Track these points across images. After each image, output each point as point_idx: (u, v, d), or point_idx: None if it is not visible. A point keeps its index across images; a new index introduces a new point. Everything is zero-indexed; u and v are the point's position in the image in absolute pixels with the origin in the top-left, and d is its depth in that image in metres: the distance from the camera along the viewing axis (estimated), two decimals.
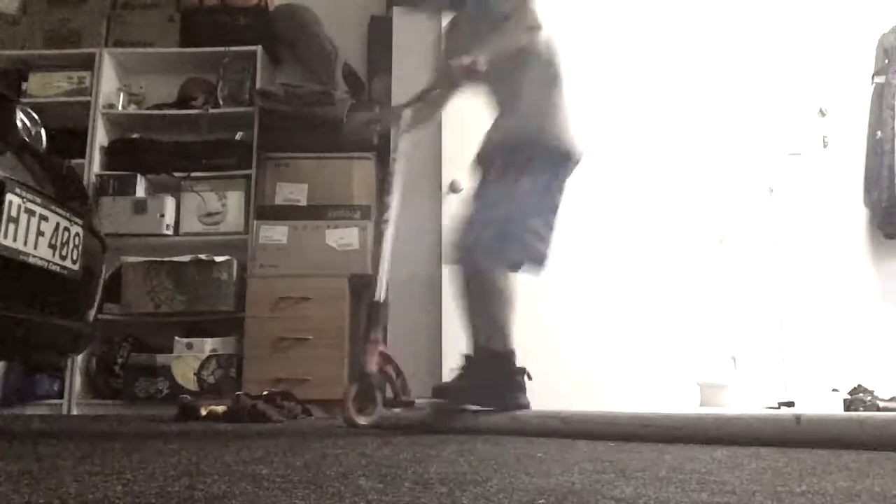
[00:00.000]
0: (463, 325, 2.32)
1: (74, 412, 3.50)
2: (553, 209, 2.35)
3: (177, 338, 3.51)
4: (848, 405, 3.01)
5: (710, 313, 3.44)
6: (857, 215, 3.61)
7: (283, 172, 3.65)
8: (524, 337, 3.24)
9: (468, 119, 3.48)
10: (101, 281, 2.07)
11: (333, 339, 3.39)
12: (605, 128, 3.48)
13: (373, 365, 2.18)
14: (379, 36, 3.98)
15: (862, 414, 1.53)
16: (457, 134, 3.48)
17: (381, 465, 1.18)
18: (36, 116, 2.02)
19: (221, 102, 3.93)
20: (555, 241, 2.36)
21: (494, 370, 2.21)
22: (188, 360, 3.46)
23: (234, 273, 3.59)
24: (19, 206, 1.61)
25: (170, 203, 3.75)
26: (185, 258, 3.58)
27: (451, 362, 3.25)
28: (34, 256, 1.66)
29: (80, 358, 3.56)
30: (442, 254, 3.37)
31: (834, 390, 3.21)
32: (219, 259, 3.57)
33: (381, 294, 2.28)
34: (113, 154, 3.89)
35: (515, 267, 2.29)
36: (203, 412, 2.71)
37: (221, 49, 3.94)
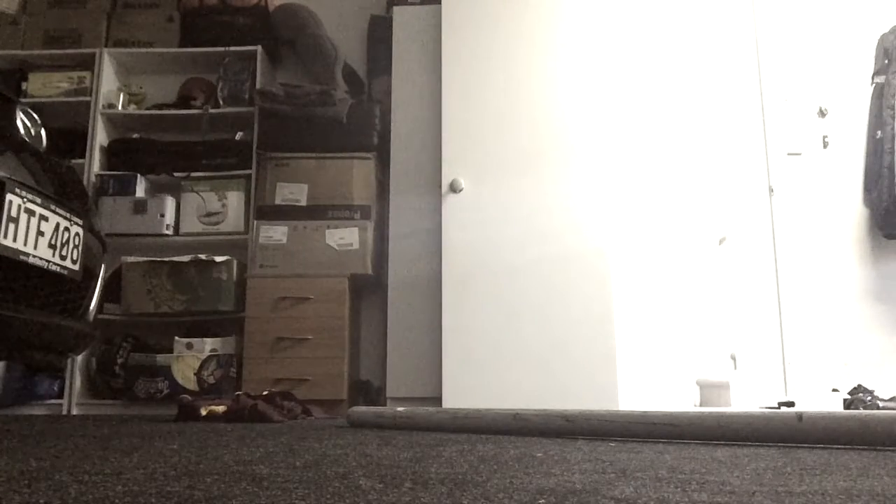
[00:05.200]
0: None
1: (74, 412, 3.50)
2: None
3: (177, 338, 3.52)
4: (848, 405, 3.02)
5: (710, 313, 3.44)
6: (857, 215, 3.61)
7: (283, 172, 3.65)
8: (524, 336, 3.25)
9: (468, 119, 3.50)
10: (101, 281, 2.07)
11: (333, 339, 3.39)
12: (606, 128, 3.48)
13: None
14: (379, 36, 3.99)
15: (864, 411, 1.53)
16: (457, 134, 3.49)
17: (381, 465, 1.18)
18: (36, 116, 2.02)
19: (221, 102, 3.94)
20: None
21: None
22: (188, 360, 3.46)
23: (234, 273, 3.59)
24: (19, 206, 1.61)
25: (170, 203, 3.75)
26: (185, 258, 3.58)
27: (451, 362, 3.27)
28: (34, 256, 1.65)
29: (80, 358, 3.56)
30: (442, 253, 3.38)
31: (834, 390, 3.22)
32: (219, 259, 3.57)
33: None
34: (113, 154, 3.89)
35: None
36: (203, 412, 2.70)
37: (221, 49, 3.94)
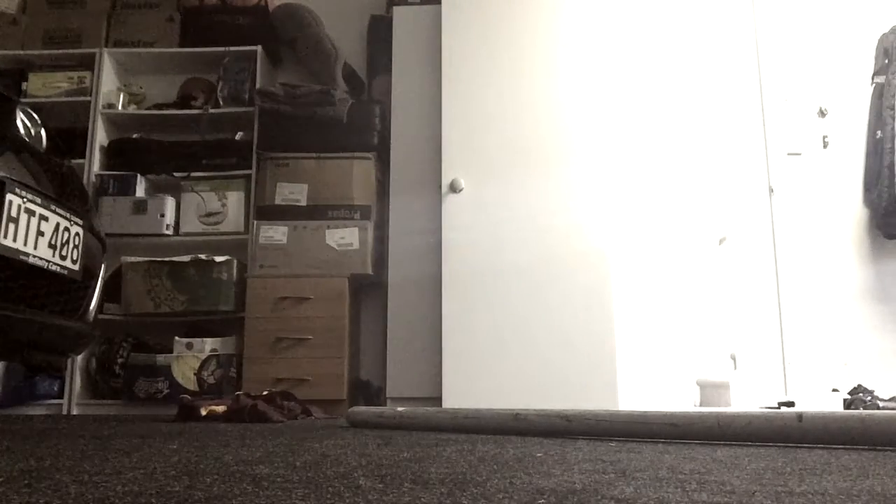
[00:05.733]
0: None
1: (74, 412, 3.50)
2: None
3: (177, 338, 3.52)
4: (848, 405, 3.02)
5: (710, 313, 3.44)
6: (857, 215, 3.61)
7: (283, 172, 3.65)
8: (524, 336, 3.25)
9: (468, 119, 3.50)
10: (101, 281, 2.07)
11: (333, 339, 3.39)
12: (606, 127, 3.48)
13: None
14: (379, 36, 3.99)
15: (864, 411, 1.52)
16: (457, 134, 3.49)
17: (381, 465, 1.18)
18: (36, 116, 2.02)
19: (221, 102, 3.94)
20: None
21: None
22: (188, 360, 3.46)
23: (234, 273, 3.59)
24: (19, 206, 1.61)
25: (170, 203, 3.75)
26: (185, 258, 3.58)
27: (451, 362, 3.27)
28: (34, 256, 1.65)
29: (80, 358, 3.56)
30: (442, 253, 3.39)
31: (834, 390, 3.22)
32: (219, 259, 3.57)
33: None
34: (113, 154, 3.89)
35: None
36: (203, 412, 2.70)
37: (221, 49, 3.95)
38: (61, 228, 1.76)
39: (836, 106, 3.65)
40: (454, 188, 3.44)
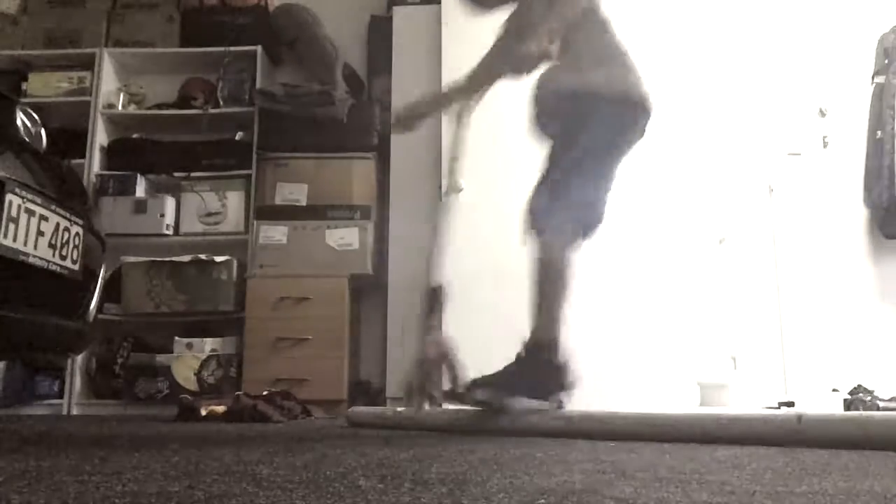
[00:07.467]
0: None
1: (74, 412, 3.50)
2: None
3: (177, 338, 3.52)
4: (848, 405, 3.01)
5: (710, 313, 3.44)
6: (857, 215, 3.60)
7: (283, 172, 3.65)
8: (524, 337, 3.24)
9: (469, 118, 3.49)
10: (101, 281, 2.07)
11: (333, 339, 3.39)
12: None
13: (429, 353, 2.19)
14: (379, 36, 3.99)
15: (863, 413, 1.53)
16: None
17: (381, 465, 1.18)
18: (36, 116, 2.02)
19: (221, 102, 3.94)
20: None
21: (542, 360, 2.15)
22: (188, 360, 3.46)
23: (234, 273, 3.59)
24: (19, 206, 1.61)
25: (170, 203, 3.75)
26: (185, 258, 3.58)
27: None
28: (34, 256, 1.65)
29: (80, 358, 3.56)
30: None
31: (834, 390, 3.22)
32: (219, 259, 3.57)
33: (438, 279, 2.28)
34: (113, 154, 3.89)
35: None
36: (203, 412, 2.71)
37: (221, 49, 3.94)
38: (61, 228, 1.76)
39: (836, 106, 3.64)
40: (454, 188, 3.43)
